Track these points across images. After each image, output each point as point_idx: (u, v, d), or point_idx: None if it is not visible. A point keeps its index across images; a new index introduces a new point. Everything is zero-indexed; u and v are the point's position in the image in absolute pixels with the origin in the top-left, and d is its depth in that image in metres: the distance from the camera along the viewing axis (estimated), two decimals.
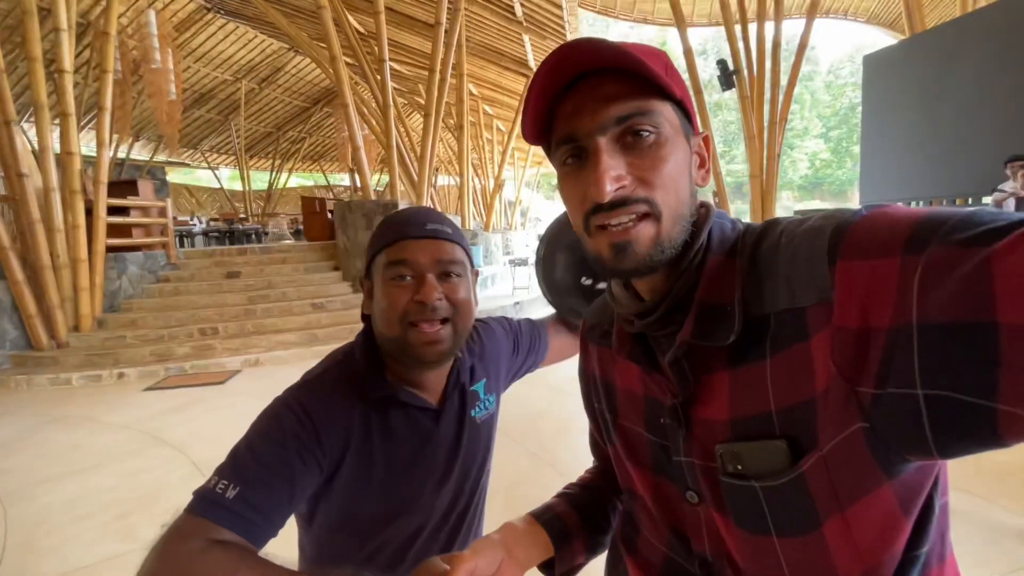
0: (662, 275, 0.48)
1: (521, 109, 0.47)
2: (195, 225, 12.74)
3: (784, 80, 7.92)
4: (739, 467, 0.42)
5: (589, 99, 0.44)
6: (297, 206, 22.37)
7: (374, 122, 9.54)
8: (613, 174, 0.42)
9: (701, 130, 0.49)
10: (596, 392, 0.61)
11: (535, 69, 0.47)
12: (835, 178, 33.27)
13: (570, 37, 9.92)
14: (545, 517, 0.62)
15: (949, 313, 0.30)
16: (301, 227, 14.26)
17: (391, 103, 7.15)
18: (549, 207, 35.67)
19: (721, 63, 7.55)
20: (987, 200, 5.20)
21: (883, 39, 12.04)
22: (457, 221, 13.29)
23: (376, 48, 8.45)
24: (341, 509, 0.73)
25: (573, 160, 0.46)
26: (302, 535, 0.80)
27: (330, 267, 8.25)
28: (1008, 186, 4.67)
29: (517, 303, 8.76)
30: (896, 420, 0.34)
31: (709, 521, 0.48)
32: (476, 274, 0.80)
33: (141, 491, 3.02)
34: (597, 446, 0.70)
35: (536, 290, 9.49)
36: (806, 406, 0.39)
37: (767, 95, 7.90)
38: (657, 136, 0.44)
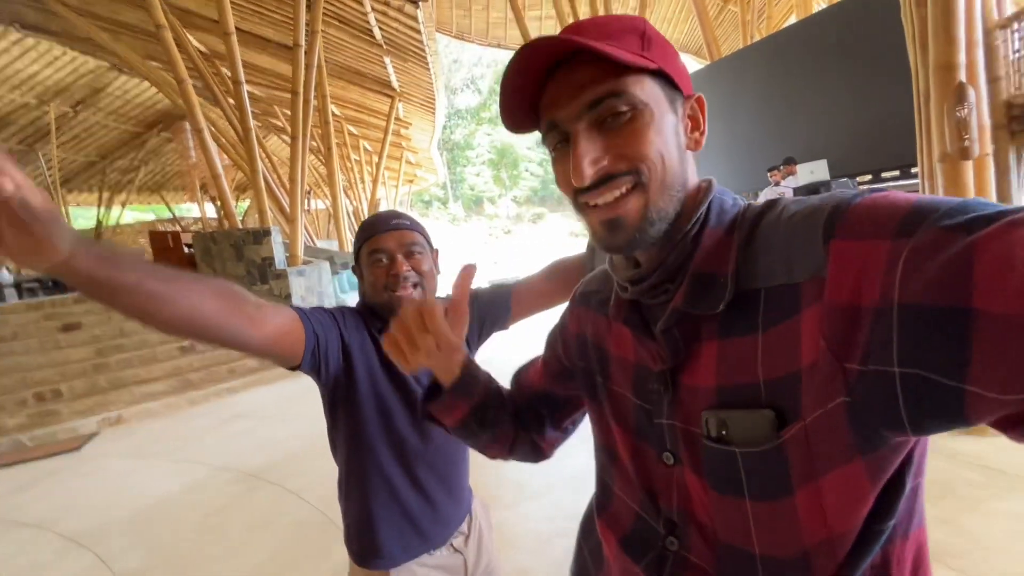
0: (658, 245, 0.49)
1: (500, 101, 0.49)
2: (2, 276, 10.59)
3: None
4: (723, 432, 0.44)
5: (565, 86, 0.46)
6: (134, 244, 19.60)
7: (230, 147, 8.92)
8: (590, 158, 0.45)
9: (693, 92, 0.49)
10: (584, 352, 0.64)
11: (506, 66, 0.46)
12: None
13: (431, 60, 10.29)
14: (471, 367, 0.66)
15: (929, 296, 0.31)
16: None
17: (252, 127, 6.82)
18: (425, 224, 35.47)
19: None
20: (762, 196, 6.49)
21: (695, 64, 14.34)
22: (332, 246, 12.83)
23: (227, 69, 7.97)
24: (363, 406, 0.96)
25: (561, 145, 0.48)
26: (338, 452, 1.03)
27: None
28: (767, 192, 5.58)
29: None
30: (874, 396, 0.35)
31: (680, 483, 0.49)
32: (436, 252, 1.06)
33: None
34: (520, 380, 0.77)
35: None
36: (792, 378, 0.40)
37: None
38: (634, 112, 0.44)
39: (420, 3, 8.31)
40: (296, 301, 7.06)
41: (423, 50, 9.54)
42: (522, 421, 0.72)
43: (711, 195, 0.48)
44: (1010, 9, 4.24)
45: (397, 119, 13.12)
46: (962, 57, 2.80)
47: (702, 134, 0.49)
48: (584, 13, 9.01)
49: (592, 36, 0.45)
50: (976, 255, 0.29)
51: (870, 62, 5.64)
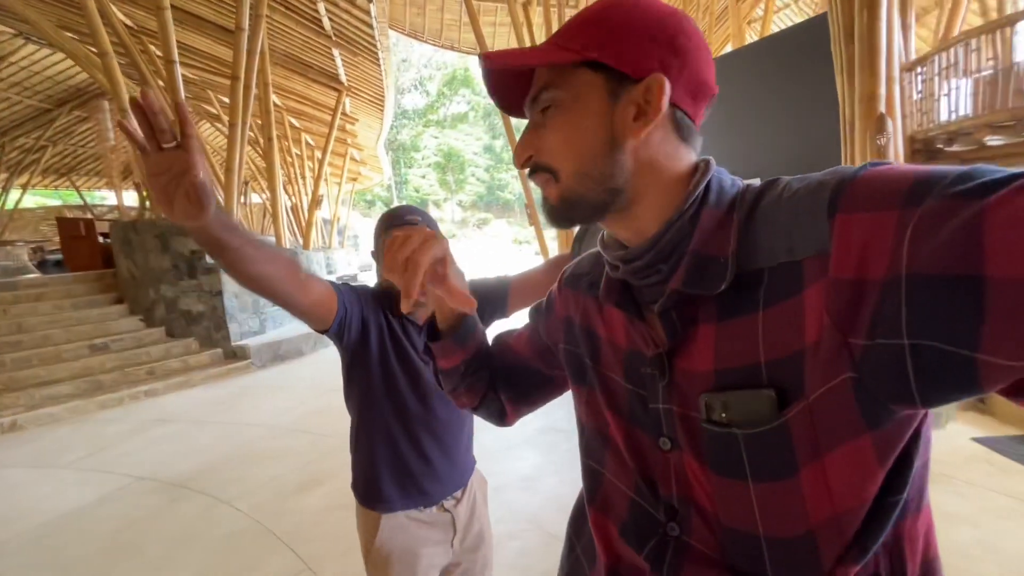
0: (635, 224, 0.49)
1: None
2: None
3: None
4: (724, 415, 0.43)
5: (532, 85, 0.51)
6: (36, 231, 17.62)
7: None
8: (521, 147, 0.50)
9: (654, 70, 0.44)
10: (571, 336, 0.63)
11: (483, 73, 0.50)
12: None
13: (382, 56, 10.06)
14: (469, 322, 0.69)
15: (939, 265, 0.30)
16: (50, 256, 11.35)
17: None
18: (367, 225, 34.60)
19: None
20: None
21: None
22: (269, 240, 12.16)
23: (156, 48, 7.40)
24: (373, 371, 1.12)
25: None
26: (353, 420, 1.18)
27: (110, 300, 6.88)
28: None
29: None
30: (882, 369, 0.35)
31: (679, 467, 0.49)
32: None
33: None
34: (503, 345, 0.77)
35: None
36: (795, 357, 0.40)
37: None
38: (553, 107, 0.48)
39: None
40: (228, 299, 6.63)
41: (375, 45, 9.30)
42: (496, 383, 0.74)
43: (708, 175, 0.47)
44: (915, 53, 4.75)
45: (343, 114, 12.67)
46: (883, 90, 3.10)
47: (648, 119, 0.44)
48: (537, 24, 9.16)
49: (561, 30, 0.48)
50: (986, 221, 0.29)
51: (802, 90, 6.10)
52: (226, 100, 11.90)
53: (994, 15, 7.54)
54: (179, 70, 6.22)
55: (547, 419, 3.87)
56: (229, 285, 6.65)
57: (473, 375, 0.71)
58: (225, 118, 12.18)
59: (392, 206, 1.18)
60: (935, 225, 0.31)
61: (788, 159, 6.44)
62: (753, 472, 0.43)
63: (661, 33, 0.45)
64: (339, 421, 4.40)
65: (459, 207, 42.40)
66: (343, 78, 11.25)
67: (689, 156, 0.49)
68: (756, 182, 0.48)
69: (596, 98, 0.46)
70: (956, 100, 5.57)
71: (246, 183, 15.77)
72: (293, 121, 13.96)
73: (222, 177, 9.52)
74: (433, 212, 41.01)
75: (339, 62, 10.42)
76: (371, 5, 8.17)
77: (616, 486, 0.56)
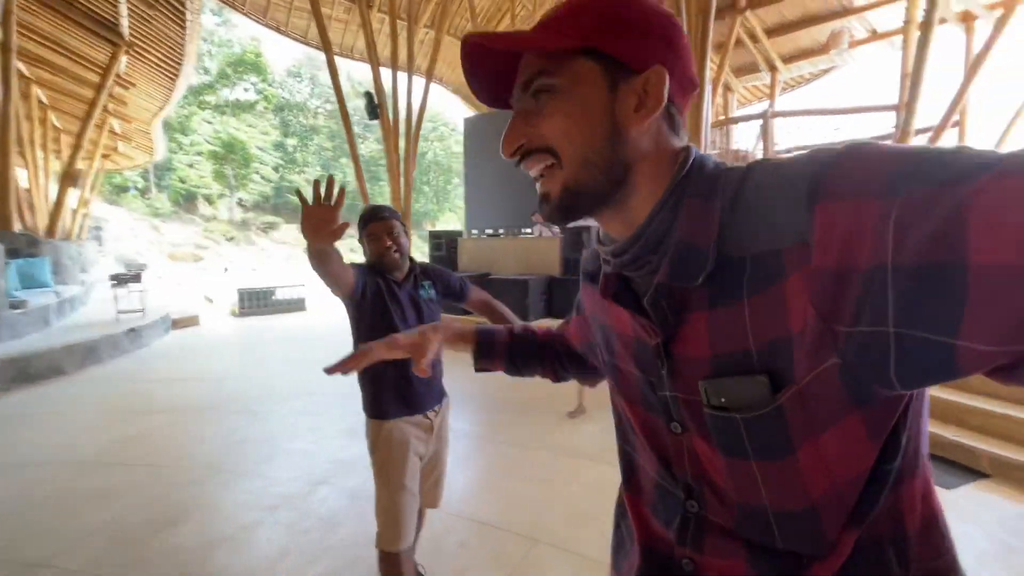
0: (628, 216, 0.50)
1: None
2: None
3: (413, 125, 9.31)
4: (722, 400, 0.45)
5: (520, 70, 0.50)
6: None
7: None
8: (510, 137, 0.49)
9: (656, 62, 0.46)
10: (595, 330, 0.66)
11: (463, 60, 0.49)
12: (428, 209, 40.72)
13: (190, 17, 8.45)
14: (484, 338, 0.79)
15: (924, 254, 0.31)
16: None
17: None
18: (115, 213, 27.36)
19: (368, 95, 8.21)
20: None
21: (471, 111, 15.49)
22: None
23: None
24: (368, 318, 1.63)
25: None
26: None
27: None
28: (536, 228, 7.35)
29: (132, 329, 6.76)
30: (864, 355, 0.36)
31: (690, 449, 0.51)
32: (406, 225, 1.75)
33: None
34: (564, 333, 0.83)
35: (153, 314, 7.53)
36: (783, 343, 0.41)
37: (402, 131, 9.07)
38: (551, 93, 0.47)
39: None
40: None
41: (183, 1, 7.76)
42: (563, 362, 0.81)
43: (688, 164, 0.47)
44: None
45: (117, 76, 10.06)
46: (702, 150, 4.14)
47: (650, 110, 0.46)
48: (377, 28, 8.96)
49: (550, 17, 0.48)
50: (969, 209, 0.29)
51: None
52: None
53: (721, 115, 10.40)
54: None
55: None
56: None
57: (527, 367, 0.81)
58: None
59: (370, 205, 1.72)
60: (918, 215, 0.32)
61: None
62: (754, 452, 0.45)
63: (658, 28, 0.47)
64: (185, 446, 3.53)
65: (240, 207, 36.99)
66: (125, 31, 9.01)
67: (676, 148, 0.50)
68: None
69: (596, 86, 0.46)
70: None
71: None
72: (22, 69, 10.48)
73: None
74: (202, 209, 34.68)
75: (124, 11, 8.34)
76: None
77: (644, 470, 0.60)
